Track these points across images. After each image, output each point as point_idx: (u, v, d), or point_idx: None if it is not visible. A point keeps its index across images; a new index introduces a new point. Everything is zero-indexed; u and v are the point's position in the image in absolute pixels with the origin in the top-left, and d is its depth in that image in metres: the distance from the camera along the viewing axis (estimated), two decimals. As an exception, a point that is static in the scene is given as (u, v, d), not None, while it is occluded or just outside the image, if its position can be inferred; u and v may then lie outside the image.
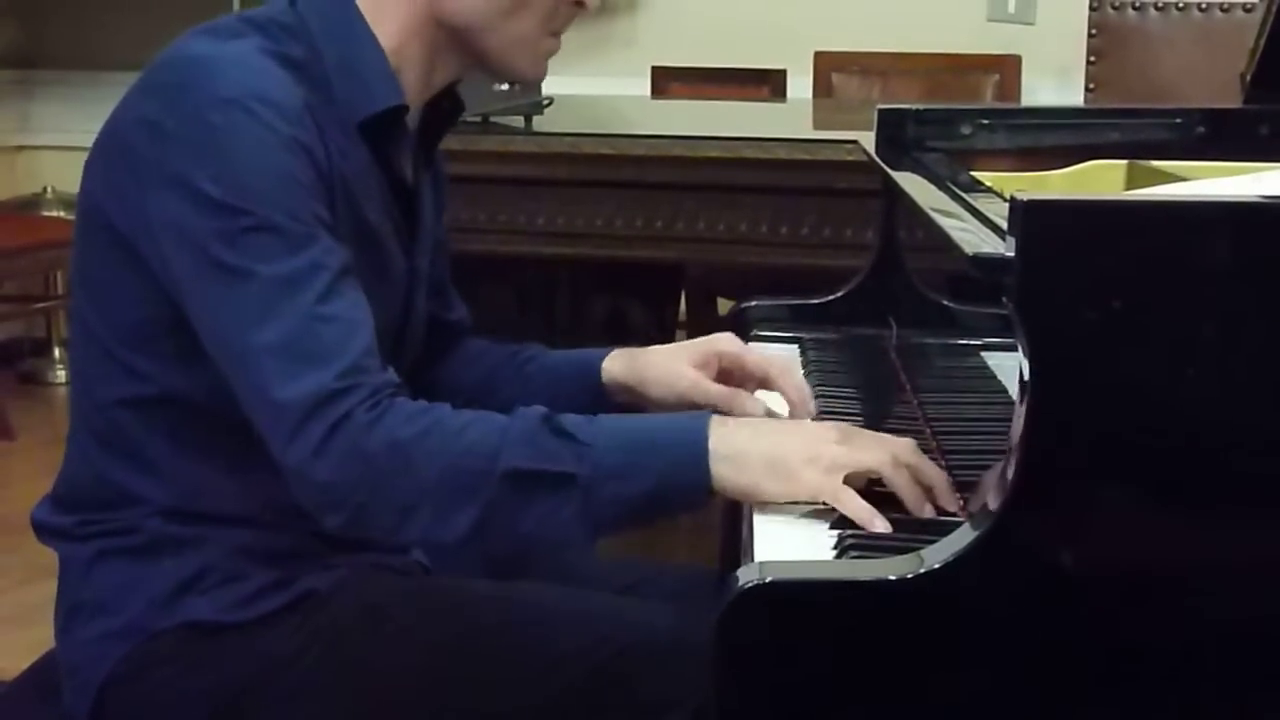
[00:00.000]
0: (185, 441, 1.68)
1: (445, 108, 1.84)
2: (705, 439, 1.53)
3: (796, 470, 1.52)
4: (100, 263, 1.67)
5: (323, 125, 1.63)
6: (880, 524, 1.48)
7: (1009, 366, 1.36)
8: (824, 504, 1.53)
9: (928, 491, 1.53)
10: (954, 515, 1.51)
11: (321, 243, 1.58)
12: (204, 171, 1.56)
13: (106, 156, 1.67)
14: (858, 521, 1.49)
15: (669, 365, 1.85)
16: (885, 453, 1.53)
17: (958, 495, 1.54)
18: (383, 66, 1.70)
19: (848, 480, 1.52)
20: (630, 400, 1.87)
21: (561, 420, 1.55)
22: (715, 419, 1.56)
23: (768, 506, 1.55)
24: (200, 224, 1.56)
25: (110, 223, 1.65)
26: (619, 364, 1.89)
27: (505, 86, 2.93)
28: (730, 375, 1.86)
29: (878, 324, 2.11)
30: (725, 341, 1.88)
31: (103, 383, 1.70)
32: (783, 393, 1.83)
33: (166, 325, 1.64)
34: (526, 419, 1.55)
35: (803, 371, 2.06)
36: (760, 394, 1.84)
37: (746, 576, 1.31)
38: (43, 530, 1.77)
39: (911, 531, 1.46)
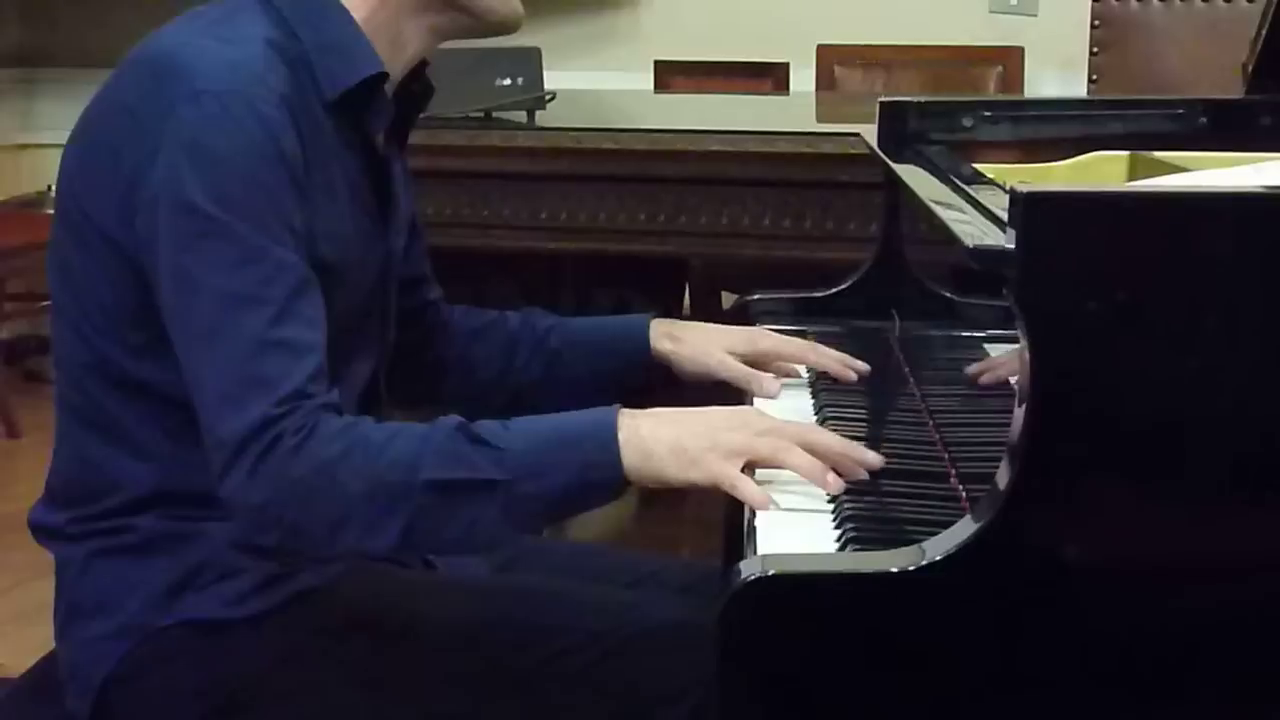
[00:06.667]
0: (165, 423, 1.68)
1: (416, 91, 1.84)
2: (615, 432, 1.57)
3: (697, 457, 1.57)
4: (77, 250, 1.68)
5: (300, 114, 1.63)
6: (772, 506, 1.53)
7: (1011, 358, 1.36)
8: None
9: (843, 462, 1.58)
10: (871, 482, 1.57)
11: (276, 255, 1.58)
12: (176, 169, 1.56)
13: (83, 144, 1.68)
14: (751, 505, 1.54)
15: (704, 346, 1.97)
16: (779, 439, 1.58)
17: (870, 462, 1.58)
18: (359, 38, 1.70)
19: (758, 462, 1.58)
20: (664, 367, 1.99)
21: (476, 428, 1.58)
22: (624, 411, 1.60)
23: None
24: (167, 223, 1.57)
25: (86, 212, 1.65)
26: (662, 337, 1.98)
27: (506, 81, 2.94)
28: (761, 362, 1.97)
29: (881, 317, 2.11)
30: (763, 339, 2.00)
31: (81, 366, 1.70)
32: (825, 366, 1.96)
33: (139, 316, 1.64)
34: (443, 429, 1.58)
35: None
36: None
37: (749, 569, 1.31)
38: (39, 531, 1.78)
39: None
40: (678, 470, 1.57)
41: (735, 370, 1.95)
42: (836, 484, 1.55)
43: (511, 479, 1.55)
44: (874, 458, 1.58)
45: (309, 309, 1.59)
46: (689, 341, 1.97)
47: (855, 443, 1.61)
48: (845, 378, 1.96)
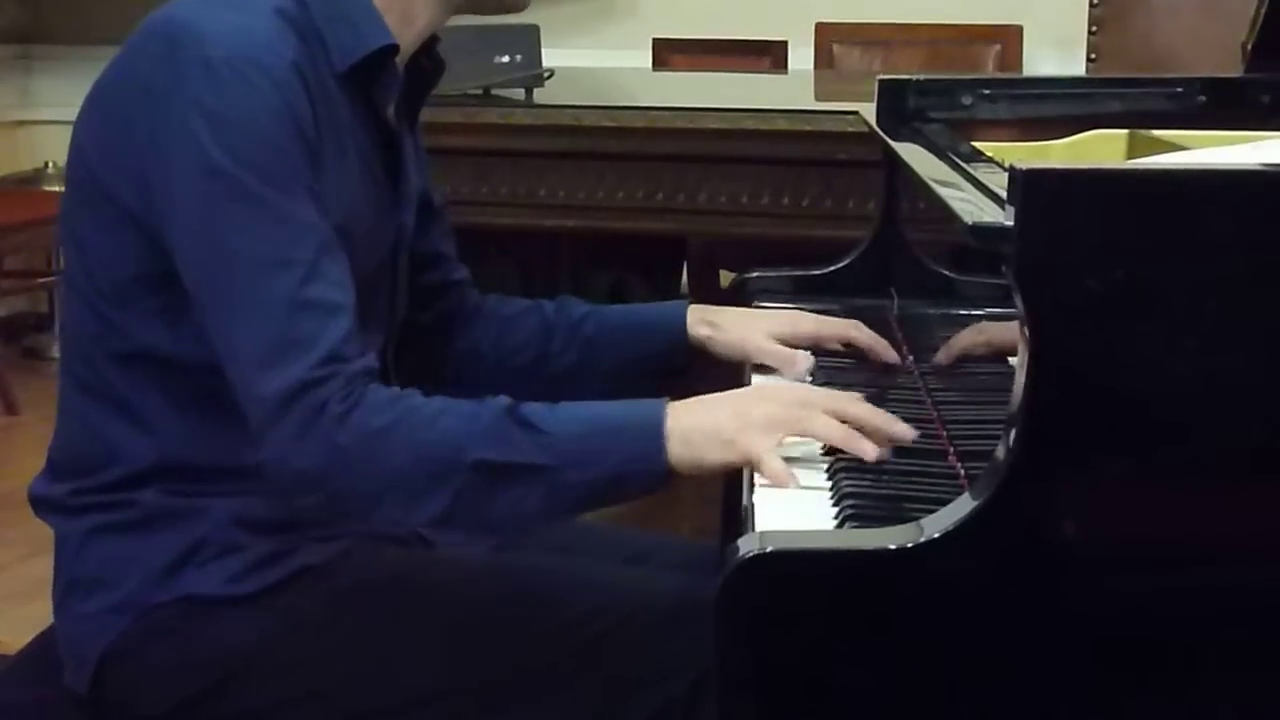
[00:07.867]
0: (172, 394, 1.68)
1: (427, 67, 1.83)
2: (662, 425, 1.57)
3: (733, 437, 1.57)
4: (89, 220, 1.67)
5: (311, 82, 1.63)
6: (794, 483, 1.54)
7: (1009, 336, 1.36)
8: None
9: (876, 432, 1.58)
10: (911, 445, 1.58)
11: (301, 217, 1.58)
12: (195, 136, 1.56)
13: (97, 115, 1.67)
14: (774, 482, 1.54)
15: (744, 331, 1.96)
16: (811, 409, 1.59)
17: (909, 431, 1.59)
18: (369, 10, 1.69)
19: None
20: (699, 353, 1.98)
21: (525, 410, 1.58)
22: (671, 405, 1.60)
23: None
24: (190, 189, 1.57)
25: (99, 180, 1.65)
26: (700, 323, 1.97)
27: (505, 59, 2.94)
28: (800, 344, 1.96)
29: (879, 294, 2.11)
30: (803, 321, 1.99)
31: (88, 337, 1.70)
32: (868, 346, 1.94)
33: (152, 284, 1.64)
34: (492, 410, 1.58)
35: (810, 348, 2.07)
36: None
37: (747, 546, 1.31)
38: (39, 504, 1.77)
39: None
40: (718, 454, 1.57)
41: (771, 352, 1.93)
42: (874, 451, 1.56)
43: (557, 465, 1.56)
44: (904, 429, 1.58)
45: (336, 269, 1.60)
46: (727, 326, 1.97)
47: (889, 415, 1.61)
48: (888, 358, 1.95)
